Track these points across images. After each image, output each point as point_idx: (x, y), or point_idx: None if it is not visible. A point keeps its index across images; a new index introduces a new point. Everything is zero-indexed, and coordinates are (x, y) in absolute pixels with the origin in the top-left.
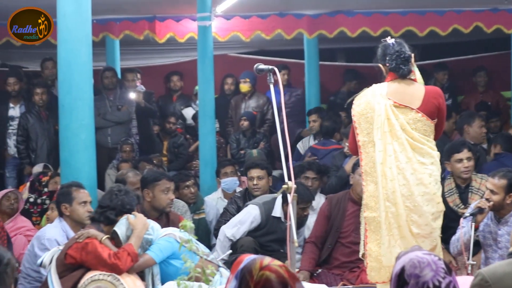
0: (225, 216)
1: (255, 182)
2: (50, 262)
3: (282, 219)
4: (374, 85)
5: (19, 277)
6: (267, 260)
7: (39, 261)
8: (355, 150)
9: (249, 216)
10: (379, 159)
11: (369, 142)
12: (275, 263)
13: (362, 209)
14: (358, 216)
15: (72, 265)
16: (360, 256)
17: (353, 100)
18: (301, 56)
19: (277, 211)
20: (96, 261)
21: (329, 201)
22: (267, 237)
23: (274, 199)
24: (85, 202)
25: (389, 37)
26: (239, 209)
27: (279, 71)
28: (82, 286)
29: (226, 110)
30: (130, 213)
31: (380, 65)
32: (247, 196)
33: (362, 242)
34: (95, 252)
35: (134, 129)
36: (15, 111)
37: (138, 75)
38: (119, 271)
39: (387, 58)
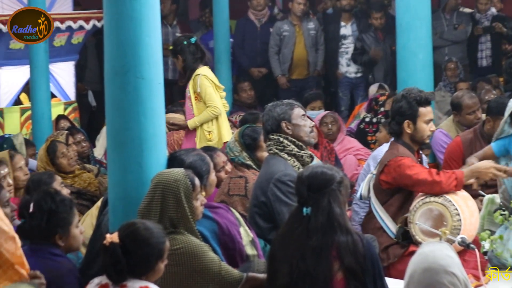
0: None
1: None
2: (369, 191)
3: None
4: None
5: (354, 197)
6: None
7: (358, 195)
8: None
9: None
10: None
11: None
12: None
13: None
14: None
15: (389, 189)
16: None
17: None
18: None
19: None
20: (411, 181)
21: None
22: None
23: None
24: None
25: None
26: None
27: None
28: (413, 209)
29: None
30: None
31: None
32: None
33: None
34: (410, 175)
35: None
36: (346, 29)
37: None
38: (440, 190)
39: None
